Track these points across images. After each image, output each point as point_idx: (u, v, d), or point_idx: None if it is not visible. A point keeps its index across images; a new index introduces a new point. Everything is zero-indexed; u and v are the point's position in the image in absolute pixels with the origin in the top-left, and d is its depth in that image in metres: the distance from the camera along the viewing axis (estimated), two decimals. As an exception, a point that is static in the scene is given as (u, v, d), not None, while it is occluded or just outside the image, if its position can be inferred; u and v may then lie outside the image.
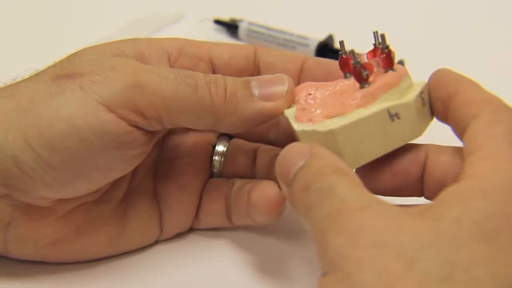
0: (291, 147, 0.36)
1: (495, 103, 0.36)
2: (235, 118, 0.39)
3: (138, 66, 0.39)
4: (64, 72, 0.39)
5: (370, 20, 0.66)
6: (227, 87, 0.39)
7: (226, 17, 0.66)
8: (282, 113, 0.40)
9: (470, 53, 0.63)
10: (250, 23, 0.65)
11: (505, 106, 0.36)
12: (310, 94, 0.40)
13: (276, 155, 0.38)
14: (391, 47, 0.39)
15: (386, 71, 0.39)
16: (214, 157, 0.45)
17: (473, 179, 0.32)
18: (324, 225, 0.32)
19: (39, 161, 0.37)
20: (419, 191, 0.39)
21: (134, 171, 0.43)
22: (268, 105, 0.39)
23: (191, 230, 0.45)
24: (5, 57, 0.59)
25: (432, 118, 0.39)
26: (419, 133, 0.38)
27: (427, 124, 0.39)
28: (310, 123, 0.38)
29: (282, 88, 0.40)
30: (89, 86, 0.38)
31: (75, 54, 0.41)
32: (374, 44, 0.39)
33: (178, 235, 0.45)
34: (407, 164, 0.39)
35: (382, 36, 0.39)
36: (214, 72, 0.43)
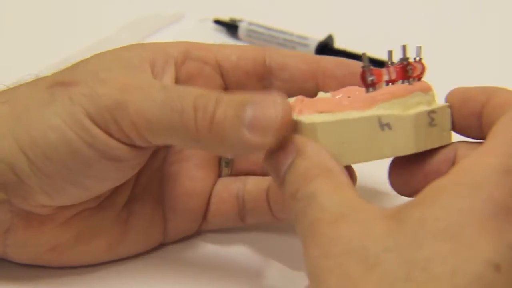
0: (281, 143, 0.36)
1: None
2: (219, 148, 0.38)
3: (127, 82, 0.38)
4: (60, 80, 0.39)
5: (370, 20, 0.66)
6: (216, 113, 0.37)
7: (226, 17, 0.66)
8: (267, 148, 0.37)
9: (469, 53, 0.63)
10: (250, 23, 0.65)
11: None
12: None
13: None
14: (422, 61, 0.39)
15: (402, 83, 0.39)
16: (221, 161, 0.45)
17: (450, 175, 0.32)
18: (306, 235, 0.33)
19: (33, 169, 0.38)
20: None
21: (138, 177, 0.43)
22: (257, 140, 0.36)
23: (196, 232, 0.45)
24: (4, 57, 0.59)
25: (448, 141, 0.38)
26: (415, 149, 0.38)
27: (432, 144, 0.38)
28: (298, 114, 0.38)
29: (274, 124, 0.36)
30: (78, 98, 0.38)
31: (82, 61, 0.41)
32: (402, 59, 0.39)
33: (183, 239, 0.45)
34: (438, 164, 0.38)
35: (403, 47, 0.39)
36: (221, 75, 0.43)
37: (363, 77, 0.39)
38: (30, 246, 0.41)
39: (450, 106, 0.39)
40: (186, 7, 0.69)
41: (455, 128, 0.39)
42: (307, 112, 0.38)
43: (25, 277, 0.42)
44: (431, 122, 0.38)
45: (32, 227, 0.40)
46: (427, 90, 0.39)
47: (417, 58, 0.39)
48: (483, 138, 0.37)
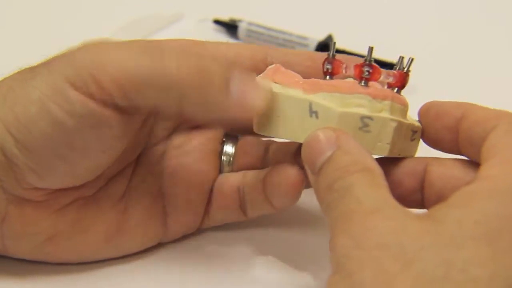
0: (318, 134, 0.36)
1: (510, 115, 0.36)
2: (201, 99, 0.37)
3: (104, 42, 0.38)
4: (44, 61, 0.40)
5: (370, 20, 0.66)
6: (199, 62, 0.37)
7: (225, 17, 0.66)
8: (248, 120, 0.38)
9: (469, 53, 0.63)
10: (250, 23, 0.65)
11: None
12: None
13: (288, 152, 0.39)
14: (408, 73, 0.39)
15: (392, 88, 0.39)
16: (223, 157, 0.45)
17: (481, 181, 0.33)
18: (337, 225, 0.33)
19: (18, 146, 0.38)
20: (418, 203, 0.39)
21: (135, 169, 0.43)
22: (240, 113, 0.37)
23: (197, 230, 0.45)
24: (3, 57, 0.59)
25: (382, 153, 0.38)
26: None
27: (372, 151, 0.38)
28: (262, 77, 0.39)
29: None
30: (55, 67, 0.38)
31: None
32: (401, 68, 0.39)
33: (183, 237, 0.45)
34: (402, 176, 0.39)
35: (370, 49, 0.38)
36: None
37: (323, 64, 0.40)
38: (27, 236, 0.40)
39: (419, 124, 0.39)
40: (186, 7, 0.69)
41: (427, 140, 0.39)
42: (267, 78, 0.39)
43: (25, 277, 0.42)
44: (363, 127, 0.37)
45: (28, 215, 0.40)
46: (394, 100, 0.38)
47: (404, 69, 0.39)
48: (456, 151, 0.38)
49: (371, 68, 0.38)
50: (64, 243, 0.41)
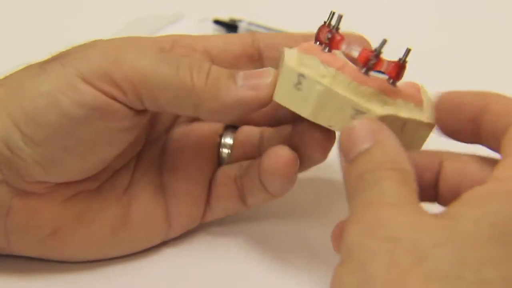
0: (359, 124, 0.36)
1: None
2: (215, 104, 0.39)
3: (121, 44, 0.40)
4: (53, 57, 0.40)
5: (370, 20, 0.66)
6: (210, 72, 0.39)
7: (225, 17, 0.66)
8: (264, 105, 0.40)
9: (469, 52, 0.63)
10: (250, 23, 0.65)
11: None
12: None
13: (281, 137, 0.40)
14: (405, 64, 0.39)
15: (389, 79, 0.39)
16: (221, 149, 0.45)
17: (497, 182, 0.32)
18: (356, 212, 0.33)
19: (25, 140, 0.38)
20: (432, 198, 0.39)
21: (138, 162, 0.43)
22: (250, 94, 0.39)
23: (199, 230, 0.45)
24: (2, 57, 0.59)
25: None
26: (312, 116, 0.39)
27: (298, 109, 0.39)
28: (293, 49, 0.40)
29: (266, 80, 0.40)
30: (69, 63, 0.39)
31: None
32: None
33: (186, 237, 0.45)
34: (420, 170, 0.38)
35: (407, 50, 0.38)
36: (211, 61, 0.43)
37: (319, 31, 0.40)
38: (31, 229, 0.40)
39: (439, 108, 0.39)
40: (186, 7, 0.69)
41: (444, 131, 0.39)
42: (300, 49, 0.40)
43: (29, 278, 0.42)
44: (297, 85, 0.38)
45: (32, 207, 0.40)
46: (343, 70, 0.38)
47: (401, 60, 0.39)
48: (477, 142, 0.37)
49: (377, 59, 0.38)
50: (68, 237, 0.41)
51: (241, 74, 0.40)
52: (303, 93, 0.38)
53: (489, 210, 0.31)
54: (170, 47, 0.43)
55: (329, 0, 0.41)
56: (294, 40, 0.43)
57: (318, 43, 0.40)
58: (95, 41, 0.41)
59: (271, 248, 0.44)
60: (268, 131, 0.45)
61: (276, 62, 0.41)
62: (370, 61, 0.38)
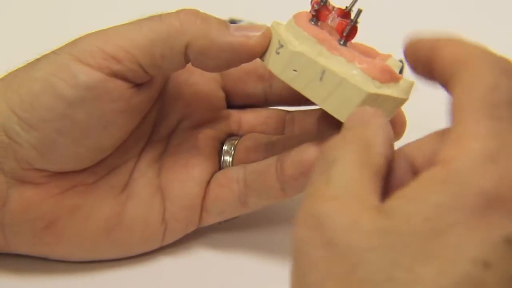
0: (360, 109, 0.36)
1: (475, 58, 0.33)
2: (205, 41, 0.39)
3: (110, 28, 0.40)
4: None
5: (370, 20, 0.66)
6: (199, 14, 0.41)
7: (225, 17, 0.66)
8: (253, 55, 0.40)
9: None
10: (250, 24, 0.65)
11: (488, 59, 0.33)
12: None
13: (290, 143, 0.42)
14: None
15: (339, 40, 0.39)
16: (223, 157, 0.45)
17: (438, 167, 0.31)
18: (303, 203, 0.33)
19: (21, 124, 0.39)
20: None
21: (137, 162, 0.43)
22: (240, 39, 0.39)
23: (196, 236, 0.45)
24: (2, 58, 0.59)
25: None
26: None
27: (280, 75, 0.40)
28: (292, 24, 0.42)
29: (257, 32, 0.40)
30: (62, 50, 0.41)
31: None
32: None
33: (183, 244, 0.45)
34: (402, 176, 0.38)
35: (359, 11, 0.40)
36: (220, 74, 0.43)
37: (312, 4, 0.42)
38: (27, 222, 0.41)
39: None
40: (186, 7, 0.68)
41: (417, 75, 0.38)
42: (306, 28, 0.41)
43: (26, 278, 0.42)
44: (278, 49, 0.40)
45: (28, 198, 0.40)
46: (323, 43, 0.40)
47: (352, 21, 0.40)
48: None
49: (352, 28, 0.39)
50: (63, 232, 0.41)
51: (233, 25, 0.41)
52: (281, 56, 0.41)
53: (423, 203, 0.30)
54: None
55: (328, 0, 0.41)
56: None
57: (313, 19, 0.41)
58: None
59: (270, 254, 0.44)
60: (275, 137, 0.45)
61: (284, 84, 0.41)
62: (314, 8, 0.39)
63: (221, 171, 0.45)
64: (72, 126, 0.40)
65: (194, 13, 0.41)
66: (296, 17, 0.42)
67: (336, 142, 0.34)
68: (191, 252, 0.45)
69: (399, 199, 0.31)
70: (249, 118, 0.48)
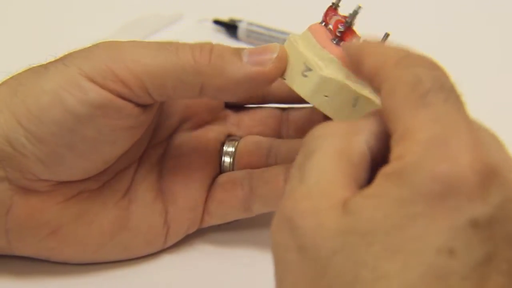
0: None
1: (391, 63, 0.32)
2: (221, 80, 0.39)
3: (119, 41, 0.40)
4: (55, 59, 0.40)
5: (370, 20, 0.65)
6: (213, 50, 0.39)
7: (225, 17, 0.66)
8: (271, 80, 0.40)
9: (468, 51, 0.63)
10: (250, 24, 0.65)
11: (405, 59, 0.32)
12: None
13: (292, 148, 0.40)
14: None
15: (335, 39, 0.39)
16: (223, 158, 0.45)
17: (392, 163, 0.30)
18: (281, 202, 0.31)
19: (28, 136, 0.38)
20: None
21: (138, 166, 0.43)
22: (256, 69, 0.39)
23: (198, 237, 0.45)
24: (2, 57, 0.59)
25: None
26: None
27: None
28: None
29: (271, 55, 0.39)
30: (71, 62, 0.39)
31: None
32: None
33: (185, 244, 0.45)
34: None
35: (354, 12, 0.39)
36: None
37: (329, 15, 0.41)
38: (32, 229, 0.40)
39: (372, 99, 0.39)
40: (185, 7, 0.69)
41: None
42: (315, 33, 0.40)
43: (29, 279, 0.42)
44: (303, 71, 0.39)
45: (32, 205, 0.40)
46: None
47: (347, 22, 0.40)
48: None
49: (345, 29, 0.39)
50: (67, 238, 0.41)
51: (245, 50, 0.39)
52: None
53: (382, 200, 0.29)
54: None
55: (329, 0, 0.41)
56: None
57: (324, 24, 0.40)
58: (98, 42, 0.41)
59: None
60: (277, 141, 0.45)
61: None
62: (338, 29, 0.39)
63: (226, 175, 0.45)
64: (80, 141, 0.39)
65: (209, 49, 0.39)
66: (315, 33, 0.40)
67: (318, 130, 0.33)
68: (192, 249, 0.45)
69: (361, 198, 0.30)
70: (247, 118, 0.48)
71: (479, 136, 0.29)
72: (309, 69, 0.39)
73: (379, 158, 0.32)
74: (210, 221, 0.44)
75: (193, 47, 0.39)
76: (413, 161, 0.29)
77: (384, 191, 0.29)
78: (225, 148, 0.45)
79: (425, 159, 0.29)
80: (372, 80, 0.33)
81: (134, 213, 0.43)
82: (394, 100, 0.31)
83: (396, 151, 0.30)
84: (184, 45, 0.39)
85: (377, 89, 0.33)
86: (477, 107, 0.34)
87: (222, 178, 0.44)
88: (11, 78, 0.41)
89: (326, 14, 0.41)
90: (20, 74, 0.41)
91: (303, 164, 0.32)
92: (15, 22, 0.67)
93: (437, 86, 0.31)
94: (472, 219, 0.28)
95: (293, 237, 0.30)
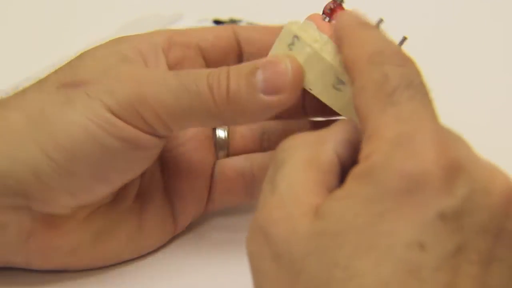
0: None
1: (360, 61, 0.33)
2: (241, 117, 0.39)
3: (141, 76, 0.40)
4: (68, 81, 0.40)
5: (370, 19, 0.66)
6: (230, 86, 0.39)
7: (225, 17, 0.66)
8: (290, 104, 0.39)
9: (469, 51, 0.63)
10: (250, 24, 0.65)
11: (374, 57, 0.33)
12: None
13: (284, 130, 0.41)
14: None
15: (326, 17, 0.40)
16: (217, 137, 0.45)
17: (360, 164, 0.30)
18: (253, 217, 0.32)
19: (58, 170, 0.38)
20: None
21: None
22: (273, 99, 0.38)
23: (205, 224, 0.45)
24: (2, 57, 0.59)
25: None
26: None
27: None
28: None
29: (285, 76, 0.38)
30: (96, 95, 0.39)
31: (76, 59, 0.41)
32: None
33: (192, 232, 0.45)
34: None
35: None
36: (204, 57, 0.43)
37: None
38: (52, 249, 0.40)
39: None
40: (186, 7, 0.69)
41: None
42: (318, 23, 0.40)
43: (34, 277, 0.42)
44: (335, 84, 0.39)
45: (53, 228, 0.40)
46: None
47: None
48: None
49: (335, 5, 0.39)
50: (87, 253, 0.42)
51: (260, 77, 0.38)
52: (293, 53, 0.39)
53: (352, 199, 0.29)
54: (168, 46, 0.43)
55: (328, 0, 0.41)
56: (270, 31, 0.43)
57: (324, 15, 0.41)
58: (117, 66, 0.40)
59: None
60: (269, 124, 0.45)
61: (254, 57, 0.41)
62: (326, 7, 0.40)
63: (225, 163, 0.45)
64: (112, 173, 0.40)
65: (224, 85, 0.39)
66: (311, 16, 0.40)
67: (287, 142, 0.33)
68: (198, 236, 0.45)
69: (332, 200, 0.30)
70: None
71: (443, 132, 0.30)
72: (342, 82, 0.38)
73: (350, 163, 0.32)
74: (214, 208, 0.45)
75: (210, 83, 0.39)
76: (380, 160, 0.29)
77: (353, 192, 0.30)
78: (217, 133, 0.45)
79: (391, 157, 0.29)
80: (349, 73, 0.34)
81: (146, 215, 0.43)
82: (364, 99, 0.32)
83: (365, 150, 0.30)
84: (202, 81, 0.39)
85: (352, 84, 0.33)
86: (476, 105, 0.34)
87: (223, 166, 0.45)
88: (22, 99, 0.40)
89: (333, 11, 0.41)
90: (32, 96, 0.40)
91: (274, 176, 0.32)
92: (15, 22, 0.67)
93: (405, 84, 0.31)
94: (440, 212, 0.28)
95: (268, 245, 0.30)
